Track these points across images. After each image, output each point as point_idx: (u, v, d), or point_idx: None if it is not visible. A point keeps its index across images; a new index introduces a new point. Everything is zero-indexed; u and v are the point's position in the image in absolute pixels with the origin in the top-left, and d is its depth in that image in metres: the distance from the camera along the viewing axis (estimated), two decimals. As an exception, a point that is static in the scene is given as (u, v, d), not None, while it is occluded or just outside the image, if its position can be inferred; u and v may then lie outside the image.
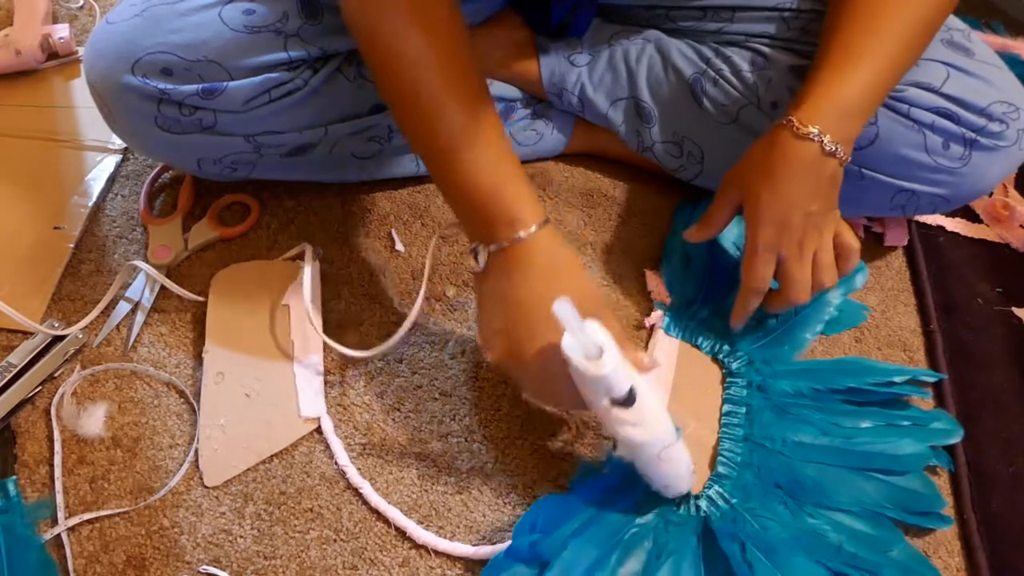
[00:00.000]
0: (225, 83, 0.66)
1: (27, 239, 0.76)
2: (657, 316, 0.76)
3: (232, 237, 0.78)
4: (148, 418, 0.67)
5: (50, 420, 0.65)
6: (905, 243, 0.87)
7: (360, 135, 0.76)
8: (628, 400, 0.55)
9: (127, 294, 0.73)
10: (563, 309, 0.52)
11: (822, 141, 0.63)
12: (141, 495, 0.63)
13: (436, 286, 0.77)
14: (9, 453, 0.63)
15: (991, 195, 0.91)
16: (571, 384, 0.57)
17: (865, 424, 0.68)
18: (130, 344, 0.70)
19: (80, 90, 0.90)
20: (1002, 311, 0.82)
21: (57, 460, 0.63)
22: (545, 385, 0.61)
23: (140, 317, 0.72)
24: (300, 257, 0.76)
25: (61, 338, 0.69)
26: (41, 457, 0.64)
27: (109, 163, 0.83)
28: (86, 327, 0.70)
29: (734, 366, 0.73)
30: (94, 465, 0.64)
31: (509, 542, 0.60)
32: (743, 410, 0.70)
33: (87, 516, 0.61)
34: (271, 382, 0.69)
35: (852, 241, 0.69)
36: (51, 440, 0.64)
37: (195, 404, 0.67)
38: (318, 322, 0.71)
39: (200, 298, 0.73)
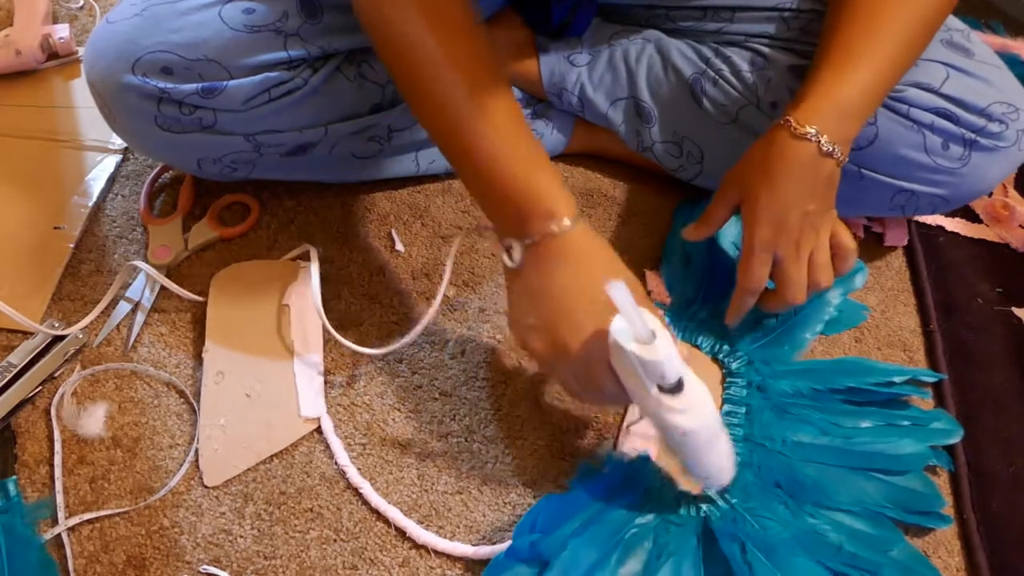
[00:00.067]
0: (225, 82, 0.66)
1: (27, 239, 0.76)
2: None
3: (232, 237, 0.78)
4: (148, 418, 0.67)
5: (50, 420, 0.65)
6: (905, 243, 0.87)
7: (360, 135, 0.76)
8: (678, 387, 0.54)
9: (127, 294, 0.73)
10: (618, 292, 0.51)
11: (819, 141, 0.63)
12: (141, 495, 0.63)
13: (436, 286, 0.77)
14: (9, 453, 0.63)
15: (991, 195, 0.91)
16: (614, 376, 0.57)
17: (865, 424, 0.68)
18: (130, 344, 0.70)
19: (80, 90, 0.90)
20: (1002, 311, 0.82)
21: (57, 460, 0.63)
22: (589, 378, 0.59)
23: (140, 317, 0.72)
24: (301, 257, 0.76)
25: (61, 338, 0.69)
26: (41, 457, 0.64)
27: (109, 163, 0.83)
28: (86, 327, 0.70)
29: (734, 366, 0.73)
30: (94, 465, 0.64)
31: (509, 542, 0.60)
32: (743, 410, 0.70)
33: (87, 516, 0.61)
34: (271, 382, 0.69)
35: (848, 241, 0.69)
36: (51, 440, 0.64)
37: (195, 404, 0.67)
38: (328, 323, 0.70)
39: (200, 298, 0.73)
